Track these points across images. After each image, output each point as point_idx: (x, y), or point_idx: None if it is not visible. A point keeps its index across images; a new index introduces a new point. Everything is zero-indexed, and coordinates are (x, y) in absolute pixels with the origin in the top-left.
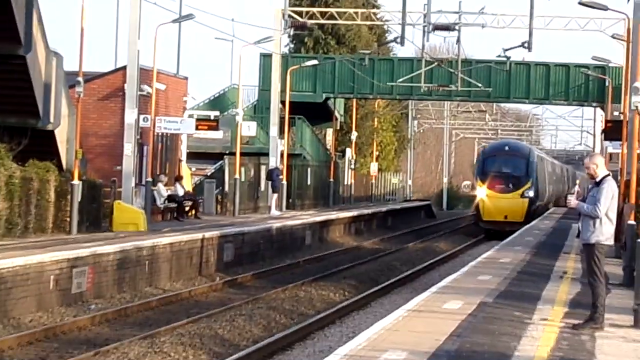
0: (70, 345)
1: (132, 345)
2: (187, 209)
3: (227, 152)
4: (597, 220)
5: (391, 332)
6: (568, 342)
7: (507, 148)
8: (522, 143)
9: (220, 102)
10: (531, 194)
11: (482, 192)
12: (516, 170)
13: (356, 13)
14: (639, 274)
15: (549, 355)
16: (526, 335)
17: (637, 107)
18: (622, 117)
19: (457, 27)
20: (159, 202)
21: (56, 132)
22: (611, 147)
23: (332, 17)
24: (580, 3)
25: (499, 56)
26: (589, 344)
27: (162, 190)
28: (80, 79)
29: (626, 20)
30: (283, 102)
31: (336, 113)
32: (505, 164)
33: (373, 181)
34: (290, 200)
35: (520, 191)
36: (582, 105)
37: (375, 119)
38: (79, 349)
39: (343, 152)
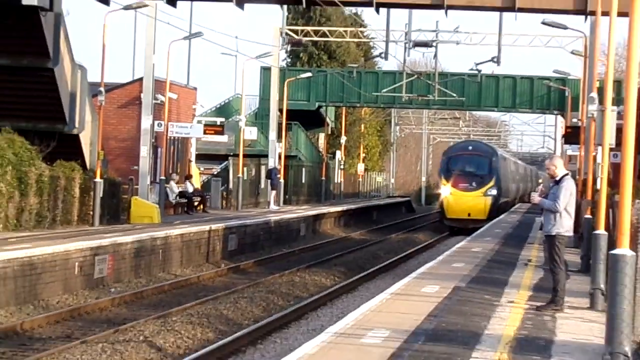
0: (93, 324)
1: (147, 324)
2: (196, 204)
3: (231, 153)
4: (557, 215)
5: (376, 313)
6: (532, 322)
7: (470, 148)
8: (485, 143)
9: (225, 109)
10: (494, 192)
11: (447, 191)
12: (479, 170)
13: (345, 31)
14: (594, 262)
15: (515, 334)
16: (495, 316)
17: (592, 114)
18: (580, 124)
19: (434, 44)
20: (171, 197)
21: (81, 135)
22: (570, 150)
23: (324, 35)
24: (543, 23)
25: (471, 69)
26: (550, 323)
27: (174, 187)
28: (102, 89)
29: (583, 37)
30: (281, 110)
31: (327, 119)
32: (469, 164)
33: (360, 180)
34: (287, 197)
35: (483, 190)
36: (545, 113)
37: (362, 125)
38: (100, 327)
39: (333, 154)
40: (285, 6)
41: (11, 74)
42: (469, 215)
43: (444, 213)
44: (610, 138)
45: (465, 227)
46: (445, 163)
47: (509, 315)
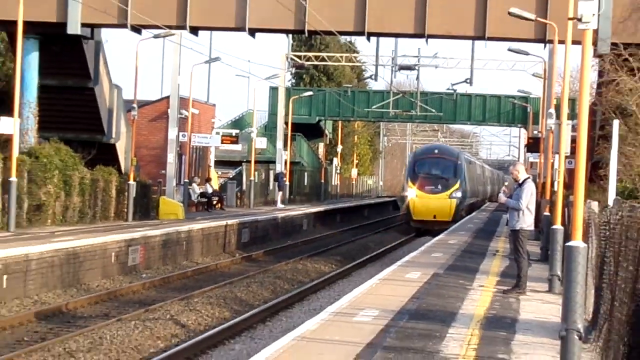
0: (127, 304)
1: (172, 305)
2: (214, 202)
3: (244, 160)
4: (520, 212)
5: (367, 295)
6: (499, 303)
7: (436, 151)
8: (451, 147)
9: (239, 122)
10: (459, 194)
11: (412, 193)
12: (445, 172)
13: (341, 56)
14: (552, 253)
15: (485, 313)
16: (468, 298)
17: (550, 127)
18: (539, 135)
19: (416, 68)
20: (194, 197)
21: (117, 145)
22: (531, 157)
23: (323, 59)
24: (509, 49)
25: (448, 89)
26: (515, 304)
27: (196, 189)
28: (134, 105)
29: (543, 62)
30: (286, 123)
31: (326, 131)
32: (435, 166)
33: (354, 182)
34: (291, 196)
35: (448, 192)
36: (510, 126)
37: (355, 136)
38: (133, 307)
39: (331, 161)
40: (290, 35)
41: (58, 92)
42: (434, 217)
43: (410, 215)
44: (565, 147)
45: (431, 228)
46: (412, 166)
47: (480, 297)
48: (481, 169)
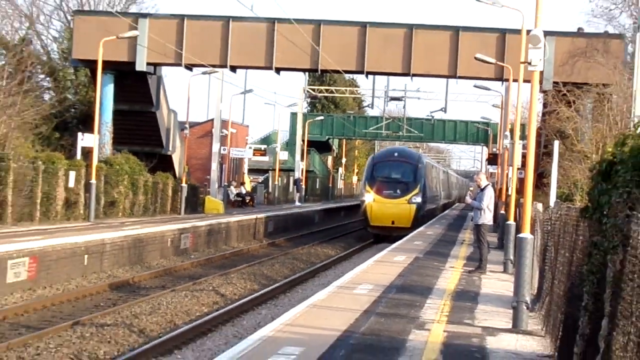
0: (179, 278)
1: (214, 279)
2: (247, 201)
3: (270, 168)
4: (482, 210)
5: (364, 273)
6: (466, 280)
7: (396, 154)
8: (412, 150)
9: (267, 140)
10: (418, 200)
11: (370, 197)
12: (404, 177)
13: (346, 90)
14: (506, 242)
15: (454, 288)
16: (441, 276)
17: (506, 146)
18: (498, 152)
19: (403, 99)
20: (231, 197)
21: (173, 156)
22: (491, 168)
23: (332, 92)
24: (474, 86)
25: (427, 115)
26: (477, 281)
27: (233, 190)
28: (187, 125)
29: (501, 95)
30: (303, 140)
31: (333, 147)
32: (394, 170)
33: (354, 186)
34: (306, 197)
35: (407, 197)
36: (475, 144)
37: (356, 151)
38: (184, 280)
39: (337, 170)
40: (307, 73)
41: (128, 115)
42: (392, 223)
43: (367, 220)
44: (517, 162)
45: (389, 234)
46: (370, 169)
47: (451, 276)
48: (445, 174)
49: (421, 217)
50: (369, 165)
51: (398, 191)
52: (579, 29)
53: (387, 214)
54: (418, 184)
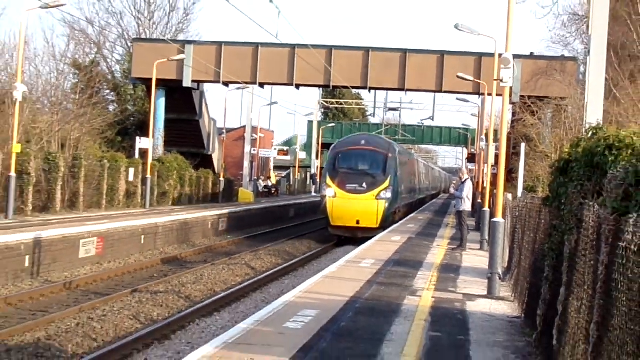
0: (217, 254)
1: (246, 255)
2: (273, 192)
3: (292, 165)
4: (462, 199)
5: (367, 250)
6: (449, 256)
7: (363, 142)
8: (381, 137)
9: (289, 142)
10: (388, 195)
11: (331, 192)
12: (372, 168)
13: (352, 102)
14: (482, 225)
15: (441, 262)
16: (430, 253)
17: (482, 148)
18: (475, 152)
19: (399, 109)
20: (260, 188)
21: (213, 155)
22: (470, 165)
23: (341, 103)
24: (457, 99)
25: (419, 123)
26: (459, 257)
27: (261, 183)
28: (224, 131)
29: (478, 107)
30: (318, 143)
31: None
32: (360, 161)
33: None
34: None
35: (375, 192)
36: (457, 146)
37: None
38: (222, 256)
39: None
40: (321, 88)
41: (176, 122)
42: (357, 222)
43: (328, 219)
44: (491, 160)
45: (353, 236)
46: (332, 159)
47: (437, 252)
48: (426, 167)
49: (392, 214)
50: (331, 154)
51: (364, 185)
52: (531, 53)
53: (351, 212)
54: (388, 176)
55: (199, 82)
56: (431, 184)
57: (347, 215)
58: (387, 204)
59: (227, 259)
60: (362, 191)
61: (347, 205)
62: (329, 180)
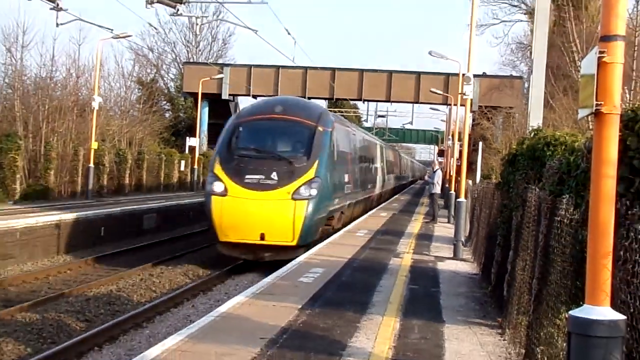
0: None
1: None
2: None
3: None
4: (434, 184)
5: (361, 222)
6: (424, 227)
7: (279, 109)
8: (310, 102)
9: None
10: (313, 191)
11: (220, 188)
12: (290, 149)
13: (349, 110)
14: (449, 204)
15: (417, 232)
16: (409, 225)
17: (449, 145)
18: (445, 149)
19: (386, 116)
20: None
21: None
22: (440, 159)
23: (341, 112)
24: (430, 108)
25: (401, 126)
26: (432, 228)
27: None
28: None
29: (446, 114)
30: None
31: None
32: (271, 137)
33: None
34: None
35: (291, 186)
36: (430, 144)
37: None
38: None
39: None
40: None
41: (217, 126)
42: (262, 237)
43: (214, 231)
44: (456, 155)
45: (255, 259)
46: (227, 136)
47: (415, 224)
48: (396, 154)
49: (322, 223)
50: (228, 129)
51: (274, 176)
52: (484, 72)
53: (252, 220)
54: (314, 162)
55: (234, 95)
56: (411, 173)
57: (244, 225)
58: (311, 207)
59: None
60: (269, 186)
61: (244, 208)
62: (217, 169)
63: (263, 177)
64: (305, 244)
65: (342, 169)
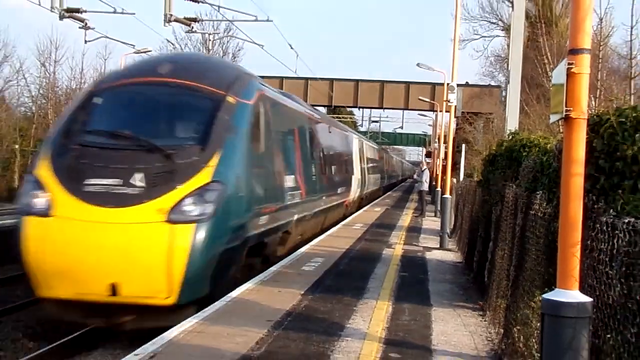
0: None
1: None
2: None
3: None
4: (422, 182)
5: (358, 216)
6: (414, 221)
7: (165, 69)
8: (222, 61)
9: None
10: (208, 208)
11: (40, 202)
12: (174, 134)
13: (346, 116)
14: (436, 200)
15: (407, 225)
16: (400, 218)
17: (436, 147)
18: (432, 150)
19: (379, 121)
20: None
21: None
22: (428, 160)
23: (339, 118)
24: (418, 114)
25: (392, 131)
26: (420, 222)
27: None
28: None
29: (433, 119)
30: None
31: None
32: (143, 116)
33: None
34: None
35: (166, 199)
36: (419, 146)
37: None
38: None
39: None
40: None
41: None
42: (112, 291)
43: (31, 280)
44: (442, 155)
45: (107, 324)
46: (72, 113)
47: (406, 218)
48: (380, 151)
49: (232, 261)
50: (78, 99)
51: (137, 181)
52: (467, 82)
53: (93, 260)
54: (213, 154)
55: None
56: (402, 172)
57: (82, 268)
58: (203, 233)
59: None
60: (129, 198)
61: (83, 238)
62: (42, 168)
63: (118, 181)
64: (194, 298)
65: (281, 166)
